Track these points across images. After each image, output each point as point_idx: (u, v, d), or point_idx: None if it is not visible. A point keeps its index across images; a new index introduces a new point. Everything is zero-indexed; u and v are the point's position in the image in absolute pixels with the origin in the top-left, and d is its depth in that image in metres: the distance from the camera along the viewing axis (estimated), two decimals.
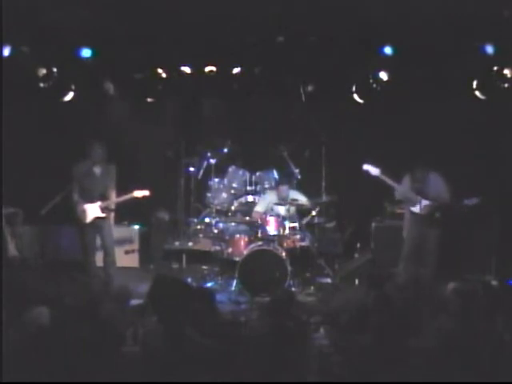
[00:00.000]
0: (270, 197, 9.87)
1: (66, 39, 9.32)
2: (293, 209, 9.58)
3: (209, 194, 10.38)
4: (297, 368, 5.02)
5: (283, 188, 9.71)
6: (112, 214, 9.15)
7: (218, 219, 10.15)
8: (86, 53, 9.63)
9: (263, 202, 9.89)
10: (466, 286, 5.68)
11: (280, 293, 7.13)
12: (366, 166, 8.88)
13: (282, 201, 9.57)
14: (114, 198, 9.01)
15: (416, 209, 8.88)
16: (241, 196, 10.40)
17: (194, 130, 11.12)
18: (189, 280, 9.36)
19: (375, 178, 8.85)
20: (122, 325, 5.67)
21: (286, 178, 10.09)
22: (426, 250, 8.95)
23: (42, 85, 9.90)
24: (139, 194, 8.96)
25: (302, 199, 9.76)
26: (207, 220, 10.47)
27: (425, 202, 8.85)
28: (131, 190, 8.95)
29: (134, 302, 6.78)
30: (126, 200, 9.00)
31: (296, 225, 9.54)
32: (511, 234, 9.67)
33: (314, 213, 9.72)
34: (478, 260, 9.68)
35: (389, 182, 8.88)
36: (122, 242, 10.31)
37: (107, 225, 9.06)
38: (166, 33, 9.19)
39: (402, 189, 8.94)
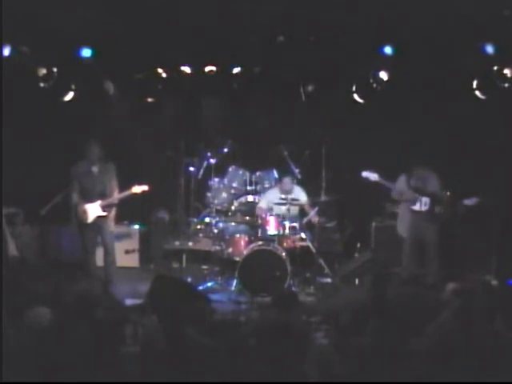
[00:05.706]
0: (274, 192, 9.88)
1: (66, 39, 9.31)
2: (294, 209, 9.59)
3: (209, 194, 10.38)
4: (297, 368, 5.02)
5: (286, 180, 9.73)
6: (113, 213, 9.15)
7: (217, 219, 10.14)
8: (86, 53, 9.63)
9: (266, 198, 9.89)
10: (466, 286, 5.69)
11: (283, 293, 7.13)
12: (364, 173, 9.07)
13: (286, 193, 9.55)
14: (115, 196, 9.01)
15: (416, 207, 9.05)
16: (241, 196, 10.40)
17: (193, 129, 11.11)
18: (189, 280, 9.36)
19: (375, 183, 9.04)
20: (122, 325, 5.66)
21: (288, 172, 10.09)
22: (427, 247, 9.09)
23: (42, 85, 9.89)
24: (138, 189, 8.96)
25: (303, 199, 9.77)
26: (207, 220, 10.46)
27: (425, 199, 9.02)
28: (130, 188, 8.96)
29: (134, 301, 6.78)
30: (126, 197, 9.02)
31: (296, 225, 9.55)
32: (511, 234, 9.66)
33: (313, 215, 9.72)
34: (478, 260, 9.67)
35: (387, 184, 9.11)
36: (122, 241, 10.31)
37: (108, 224, 9.07)
38: (166, 33, 9.18)
39: (399, 188, 9.13)
